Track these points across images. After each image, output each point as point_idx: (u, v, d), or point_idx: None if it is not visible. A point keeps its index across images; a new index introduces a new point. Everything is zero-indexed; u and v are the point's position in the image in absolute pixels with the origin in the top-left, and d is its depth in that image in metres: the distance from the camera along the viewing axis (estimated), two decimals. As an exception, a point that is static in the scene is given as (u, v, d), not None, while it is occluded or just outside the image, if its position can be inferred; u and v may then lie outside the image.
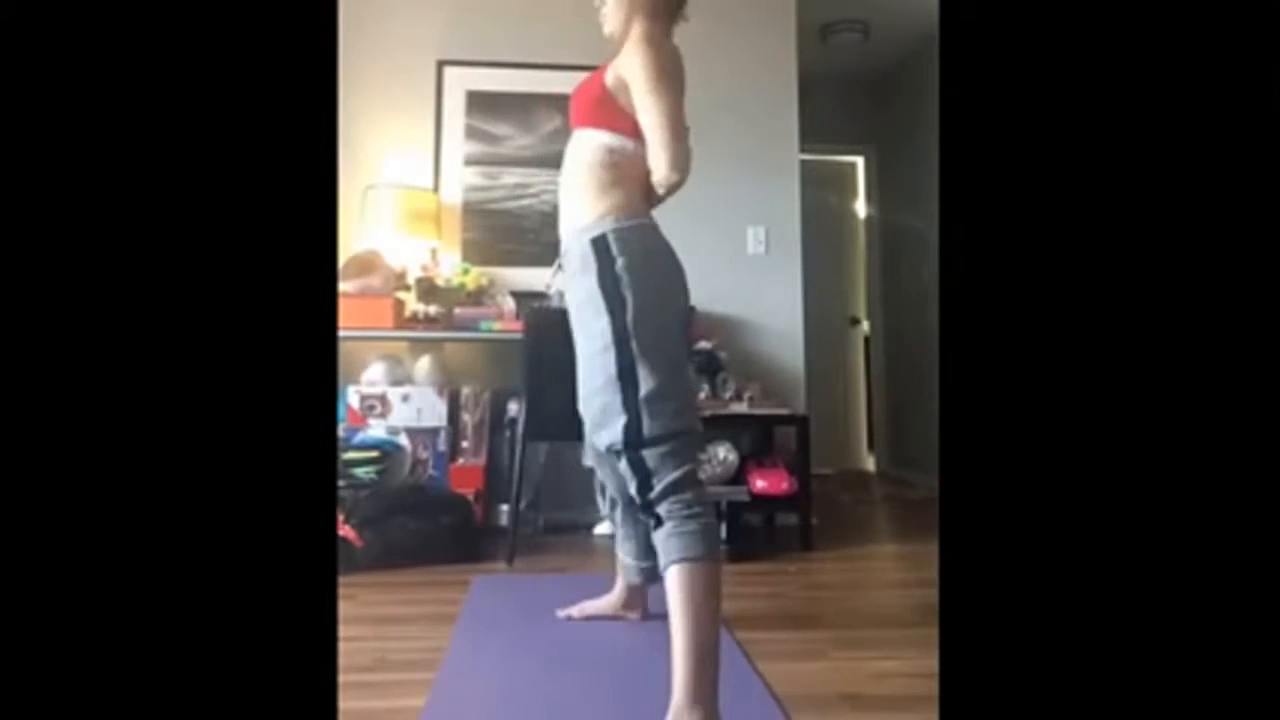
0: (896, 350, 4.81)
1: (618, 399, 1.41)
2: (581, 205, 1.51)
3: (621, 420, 1.40)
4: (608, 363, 1.42)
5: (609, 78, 1.51)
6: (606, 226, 1.45)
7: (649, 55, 1.45)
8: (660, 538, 1.37)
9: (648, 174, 1.47)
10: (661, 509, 1.38)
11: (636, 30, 1.52)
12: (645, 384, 1.39)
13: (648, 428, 1.39)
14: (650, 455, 1.39)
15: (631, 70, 1.46)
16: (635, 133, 1.47)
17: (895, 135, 4.82)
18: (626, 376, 1.40)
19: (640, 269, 1.43)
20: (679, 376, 1.45)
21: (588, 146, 1.53)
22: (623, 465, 1.42)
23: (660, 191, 1.48)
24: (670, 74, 1.46)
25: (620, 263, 1.43)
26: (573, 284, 1.51)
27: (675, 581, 1.33)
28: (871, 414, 5.08)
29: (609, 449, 1.44)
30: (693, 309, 3.09)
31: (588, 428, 1.53)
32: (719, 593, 1.35)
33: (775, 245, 3.40)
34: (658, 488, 1.38)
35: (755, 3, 3.48)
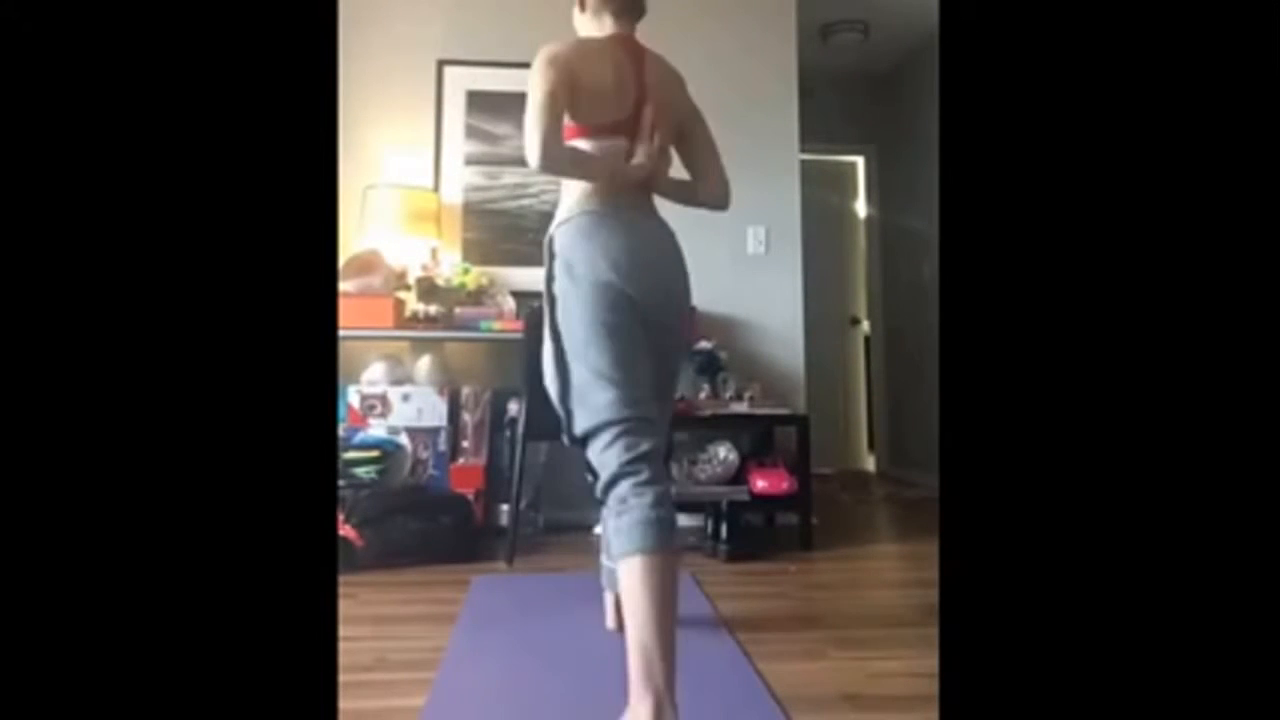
0: (896, 350, 4.81)
1: (556, 396, 1.43)
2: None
3: (562, 417, 1.43)
4: (551, 361, 1.45)
5: None
6: (553, 228, 1.49)
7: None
8: (609, 535, 1.36)
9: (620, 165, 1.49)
10: (607, 505, 1.35)
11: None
12: (575, 378, 1.40)
13: (577, 422, 1.39)
14: (590, 450, 1.38)
15: None
16: (588, 133, 1.49)
17: (895, 135, 4.82)
18: (563, 374, 1.42)
19: (568, 264, 1.43)
20: (620, 368, 1.38)
21: None
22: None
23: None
24: (532, 72, 1.46)
25: (556, 261, 1.45)
26: None
27: (620, 580, 1.29)
28: (871, 414, 5.08)
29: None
30: (694, 309, 3.11)
31: None
32: (652, 585, 1.26)
33: (775, 245, 3.41)
34: (601, 483, 1.36)
35: (755, 3, 3.48)
